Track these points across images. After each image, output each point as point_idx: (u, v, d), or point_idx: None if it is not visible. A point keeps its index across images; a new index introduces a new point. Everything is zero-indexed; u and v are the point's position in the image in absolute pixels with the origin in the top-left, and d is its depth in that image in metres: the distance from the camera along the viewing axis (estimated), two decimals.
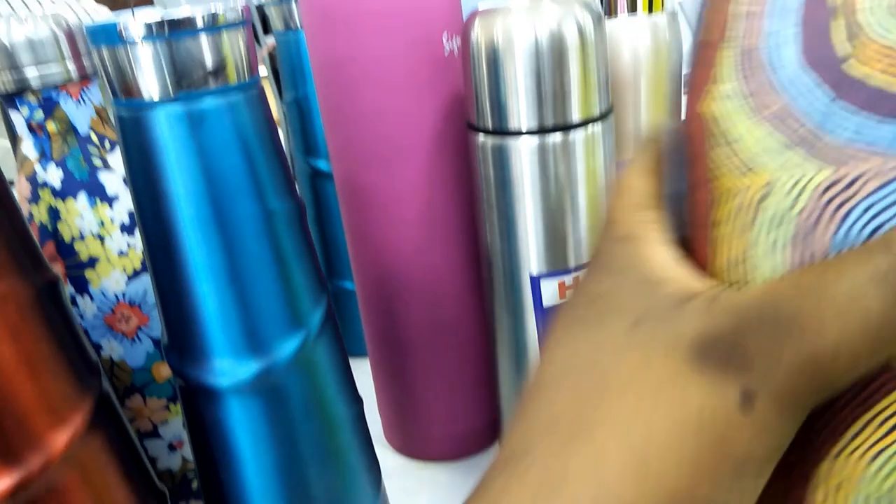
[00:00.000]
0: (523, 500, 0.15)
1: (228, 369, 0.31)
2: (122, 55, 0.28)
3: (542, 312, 0.40)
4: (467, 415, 0.50)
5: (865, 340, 0.13)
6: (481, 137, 0.39)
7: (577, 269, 0.40)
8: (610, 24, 0.43)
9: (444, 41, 0.41)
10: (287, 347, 0.32)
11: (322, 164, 0.58)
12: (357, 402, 0.37)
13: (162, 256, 0.31)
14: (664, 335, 0.15)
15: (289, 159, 0.64)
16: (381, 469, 0.40)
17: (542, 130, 0.37)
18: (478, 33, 0.36)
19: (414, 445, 0.53)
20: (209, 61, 0.28)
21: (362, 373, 0.55)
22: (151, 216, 0.31)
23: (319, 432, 0.34)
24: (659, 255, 0.18)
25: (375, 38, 0.41)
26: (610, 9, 0.45)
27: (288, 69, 0.56)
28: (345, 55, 0.41)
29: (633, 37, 0.44)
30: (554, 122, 0.37)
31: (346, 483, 0.36)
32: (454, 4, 0.42)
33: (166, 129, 0.29)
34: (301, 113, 0.57)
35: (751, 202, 0.16)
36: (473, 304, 0.46)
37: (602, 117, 0.38)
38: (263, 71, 0.76)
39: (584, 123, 0.37)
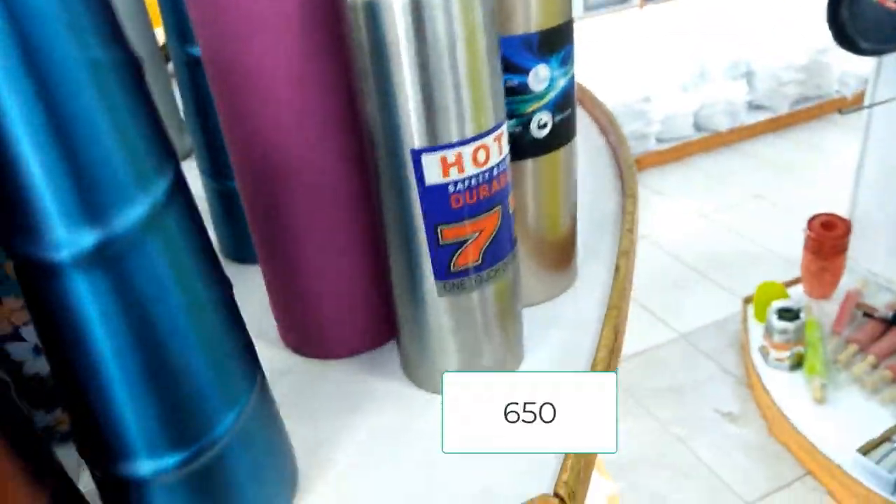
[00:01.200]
0: None
1: (65, 240, 0.28)
2: None
3: (426, 190, 0.38)
4: (360, 308, 0.48)
5: None
6: None
7: (460, 143, 0.38)
8: None
9: None
10: (129, 215, 0.29)
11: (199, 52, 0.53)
12: (223, 284, 0.35)
13: None
14: None
15: (166, 49, 0.59)
16: (258, 359, 0.38)
17: None
18: None
19: (309, 344, 0.51)
20: None
21: (259, 278, 0.52)
22: None
23: (177, 312, 0.31)
24: None
25: None
26: None
27: None
28: None
29: None
30: None
31: (213, 369, 0.33)
32: None
33: None
34: None
35: None
36: (358, 186, 0.44)
37: None
38: None
39: None
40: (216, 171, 0.60)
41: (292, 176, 0.43)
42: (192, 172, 0.67)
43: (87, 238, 0.28)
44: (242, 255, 0.62)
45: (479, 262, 0.41)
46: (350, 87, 0.40)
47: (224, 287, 0.35)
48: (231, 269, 0.66)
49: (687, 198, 2.95)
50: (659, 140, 3.17)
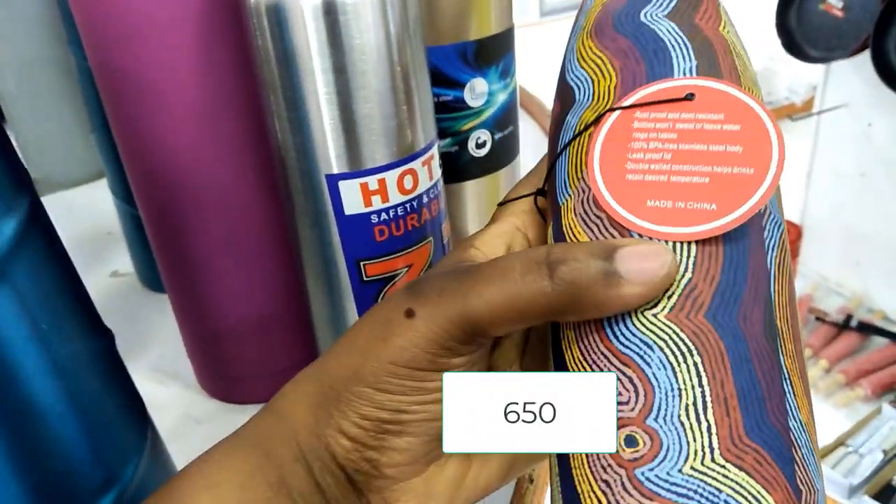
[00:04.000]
0: (313, 367, 0.24)
1: None
2: None
3: (345, 221, 0.34)
4: (280, 348, 0.43)
5: (508, 311, 0.20)
6: None
7: (383, 168, 0.33)
8: None
9: None
10: None
11: None
12: (98, 337, 0.29)
13: None
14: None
15: (67, 54, 0.53)
16: (149, 419, 0.33)
17: None
18: None
19: (227, 388, 0.46)
20: None
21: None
22: None
23: (35, 377, 0.26)
24: (498, 228, 0.25)
25: None
26: None
27: None
28: None
29: None
30: None
31: (89, 431, 0.28)
32: None
33: None
34: None
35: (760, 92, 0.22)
36: (272, 213, 0.39)
37: None
38: None
39: None
40: (129, 194, 0.54)
41: (195, 203, 0.38)
42: (105, 194, 0.61)
43: None
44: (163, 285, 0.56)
45: None
46: (256, 101, 0.35)
47: (100, 339, 0.29)
48: (151, 300, 0.61)
49: None
50: None
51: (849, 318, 1.88)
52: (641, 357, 0.19)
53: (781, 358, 0.20)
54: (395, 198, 0.34)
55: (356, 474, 0.23)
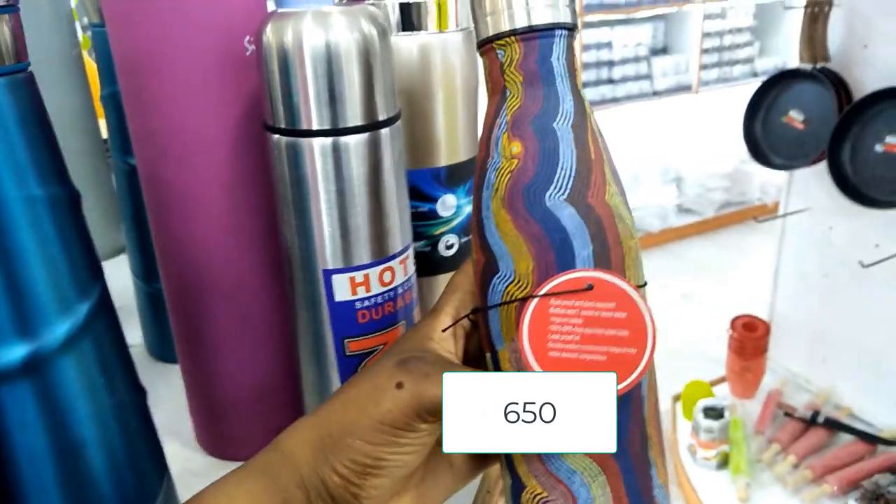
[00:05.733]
0: (315, 416, 0.31)
1: None
2: None
3: (335, 306, 0.42)
4: (274, 412, 0.51)
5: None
6: (276, 137, 0.40)
7: (368, 265, 0.42)
8: (416, 39, 0.46)
9: (247, 42, 0.43)
10: (54, 333, 0.32)
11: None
12: (136, 392, 0.37)
13: None
14: (398, 357, 0.30)
15: (108, 158, 0.63)
16: (166, 463, 0.40)
17: (332, 131, 0.39)
18: (269, 36, 0.38)
19: (224, 446, 0.53)
20: None
21: (181, 379, 0.54)
22: None
23: (93, 419, 0.34)
24: (443, 320, 0.32)
25: (177, 30, 0.41)
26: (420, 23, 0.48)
27: (104, 63, 0.55)
28: (146, 48, 0.42)
29: (434, 51, 0.47)
30: (342, 124, 0.39)
31: (123, 469, 0.36)
32: (259, 5, 0.43)
33: None
34: (118, 108, 0.56)
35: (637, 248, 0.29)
36: (276, 301, 0.47)
37: (388, 122, 0.40)
38: None
39: (372, 126, 0.39)
40: (147, 273, 0.62)
41: (216, 286, 0.46)
42: (125, 270, 0.70)
43: (18, 352, 0.31)
44: (168, 356, 0.64)
45: None
46: (271, 211, 0.44)
47: (137, 395, 0.37)
48: (156, 369, 0.68)
49: None
50: None
51: (816, 413, 1.94)
52: (568, 478, 0.28)
53: (650, 454, 0.30)
54: (376, 289, 0.42)
55: (343, 501, 0.30)
